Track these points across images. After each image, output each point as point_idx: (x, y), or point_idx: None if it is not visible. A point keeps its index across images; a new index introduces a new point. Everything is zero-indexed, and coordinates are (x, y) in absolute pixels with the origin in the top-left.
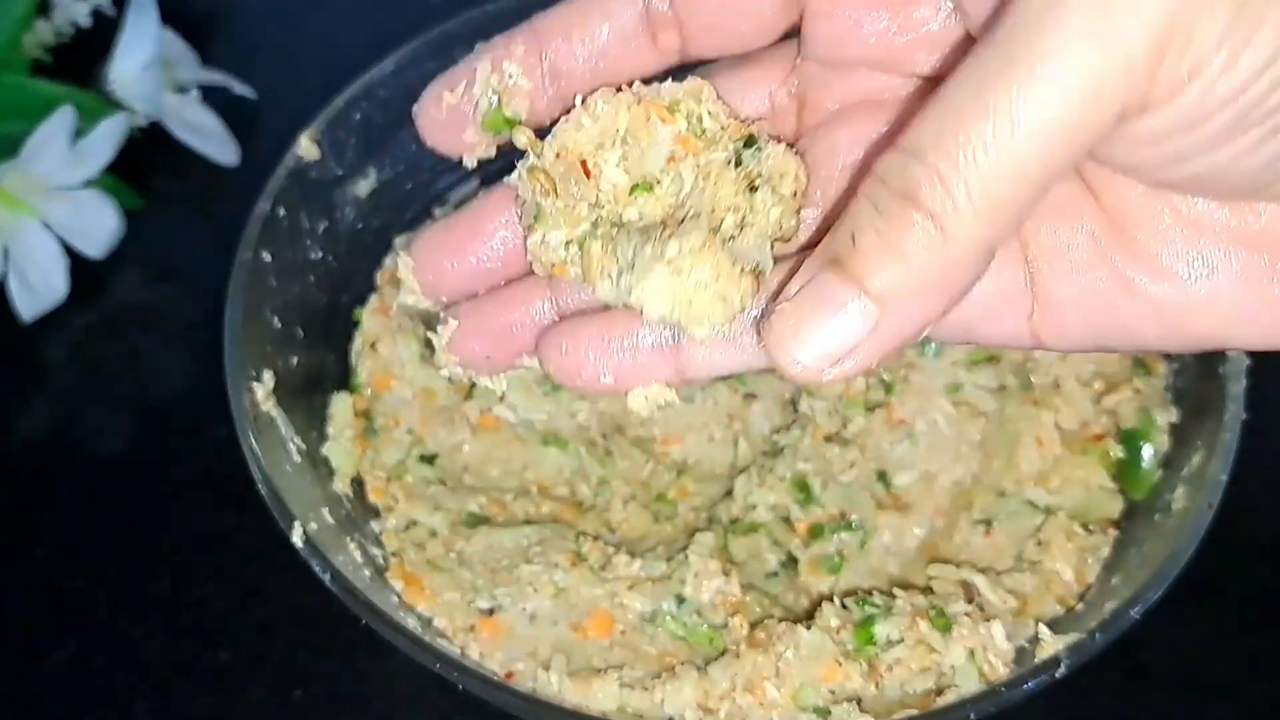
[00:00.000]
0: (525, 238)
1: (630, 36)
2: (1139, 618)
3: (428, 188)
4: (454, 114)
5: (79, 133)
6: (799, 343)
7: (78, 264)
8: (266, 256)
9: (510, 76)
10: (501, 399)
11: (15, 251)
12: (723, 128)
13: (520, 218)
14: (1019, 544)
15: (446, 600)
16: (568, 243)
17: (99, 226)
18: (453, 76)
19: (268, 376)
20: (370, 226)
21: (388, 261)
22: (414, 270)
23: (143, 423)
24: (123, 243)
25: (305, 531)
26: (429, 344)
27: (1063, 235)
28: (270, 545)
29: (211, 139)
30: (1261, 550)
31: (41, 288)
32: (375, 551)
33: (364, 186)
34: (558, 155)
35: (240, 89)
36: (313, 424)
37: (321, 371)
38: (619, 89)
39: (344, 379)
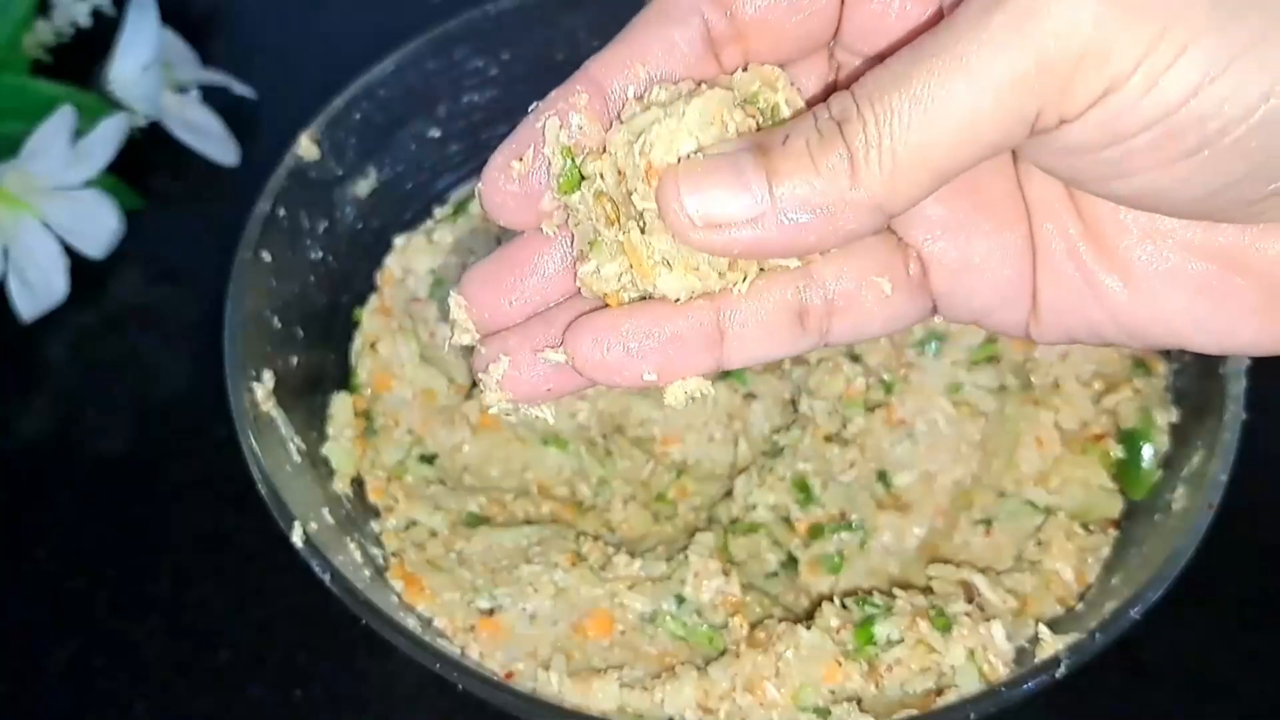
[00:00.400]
0: (576, 264)
1: (694, 60)
2: (1139, 618)
3: (427, 188)
4: (526, 183)
5: (79, 133)
6: (690, 190)
7: (78, 264)
8: (266, 256)
9: (579, 128)
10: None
11: (15, 251)
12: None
13: (573, 241)
14: (1019, 544)
15: (446, 600)
16: (621, 274)
17: (99, 226)
18: (518, 142)
19: (268, 376)
20: (370, 226)
21: (388, 261)
22: (467, 309)
23: (143, 423)
24: (123, 243)
25: (305, 532)
26: (428, 344)
27: (1048, 233)
28: (270, 545)
29: (211, 139)
30: (1261, 550)
31: (41, 288)
32: (375, 551)
33: (364, 186)
34: (620, 172)
35: (240, 89)
36: (313, 424)
37: (321, 371)
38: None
39: (344, 379)
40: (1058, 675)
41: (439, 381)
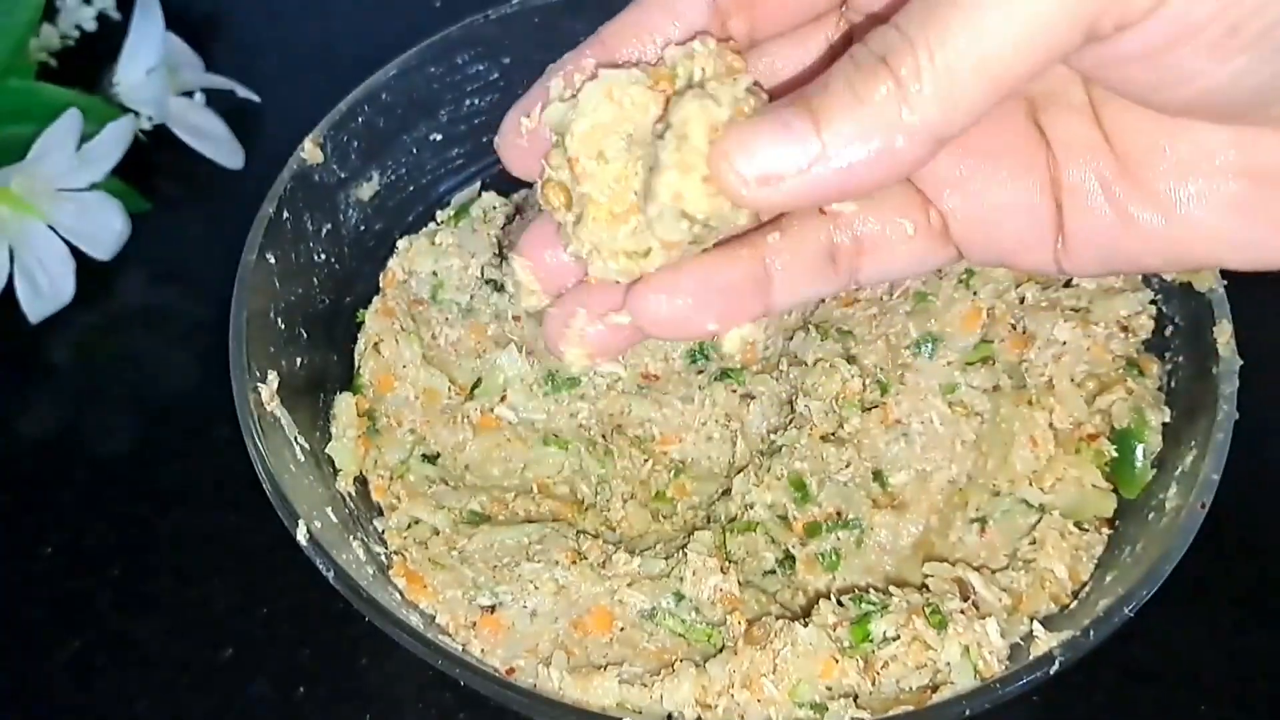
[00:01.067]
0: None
1: (702, 27)
2: (1132, 615)
3: (430, 191)
4: (534, 138)
5: (85, 136)
6: (742, 152)
7: (84, 266)
8: (270, 259)
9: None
10: (503, 399)
11: (22, 253)
12: (728, 71)
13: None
14: (1013, 542)
15: (448, 597)
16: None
17: (105, 229)
18: (529, 101)
19: (272, 377)
20: (373, 229)
21: (391, 264)
22: (532, 269)
23: (147, 423)
24: (128, 245)
25: (309, 530)
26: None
27: (1080, 175)
28: (273, 544)
29: (216, 142)
30: (1253, 549)
31: (48, 290)
32: (378, 550)
33: (367, 190)
34: (570, 161)
35: (244, 93)
36: (316, 424)
37: (325, 372)
38: (594, 75)
39: (347, 380)
40: (1051, 672)
41: (441, 382)
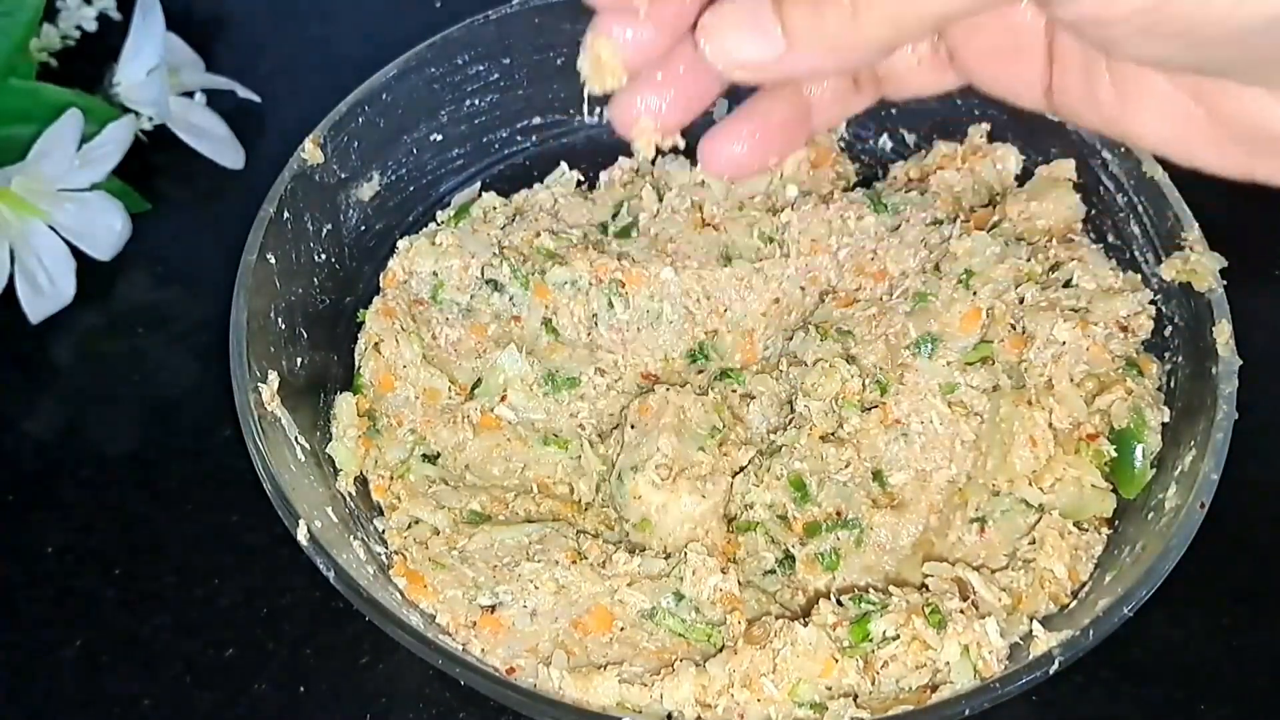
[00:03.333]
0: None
1: None
2: (1131, 615)
3: (430, 191)
4: None
5: (86, 136)
6: (714, 38)
7: (85, 266)
8: (271, 259)
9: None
10: (503, 399)
11: (23, 253)
12: None
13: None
14: (1012, 542)
15: (449, 597)
16: None
17: (106, 229)
18: None
19: (273, 377)
20: (374, 229)
21: (391, 264)
22: (614, 48)
23: (149, 422)
24: (129, 245)
25: (309, 530)
26: (431, 345)
27: (1067, 46)
28: (276, 543)
29: (217, 143)
30: (1252, 549)
31: (49, 290)
32: (378, 549)
33: (367, 190)
34: None
35: (245, 93)
36: (317, 424)
37: (326, 372)
38: None
39: (348, 380)
40: (1051, 671)
41: (441, 382)
